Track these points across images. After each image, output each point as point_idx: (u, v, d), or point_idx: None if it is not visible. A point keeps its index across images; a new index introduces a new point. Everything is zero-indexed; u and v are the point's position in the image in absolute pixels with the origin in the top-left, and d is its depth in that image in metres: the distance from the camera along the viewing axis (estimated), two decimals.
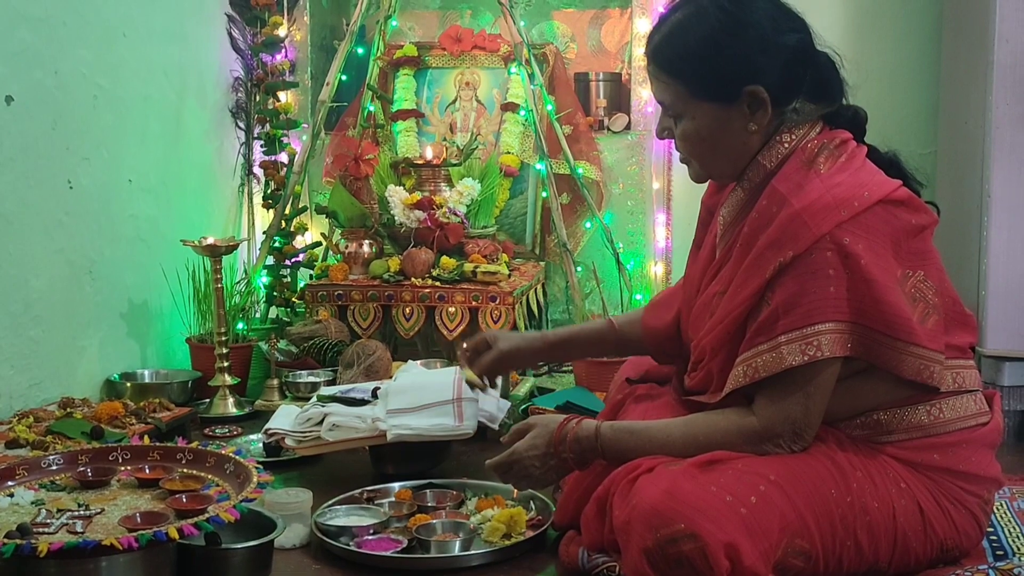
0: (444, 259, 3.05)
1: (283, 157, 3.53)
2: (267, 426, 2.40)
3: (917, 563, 1.73)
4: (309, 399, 2.49)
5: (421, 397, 2.30)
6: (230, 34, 3.52)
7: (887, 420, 1.73)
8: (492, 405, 2.40)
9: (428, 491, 2.15)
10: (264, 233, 3.44)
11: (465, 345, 2.19)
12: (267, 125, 3.52)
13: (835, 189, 1.66)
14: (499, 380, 2.22)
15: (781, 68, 1.72)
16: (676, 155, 2.15)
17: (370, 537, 1.94)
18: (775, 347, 1.65)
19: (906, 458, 1.72)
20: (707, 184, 1.92)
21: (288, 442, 2.32)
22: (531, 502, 2.07)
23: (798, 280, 1.64)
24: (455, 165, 3.25)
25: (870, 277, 1.63)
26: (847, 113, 1.79)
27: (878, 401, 1.72)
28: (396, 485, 2.18)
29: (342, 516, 2.04)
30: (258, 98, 3.55)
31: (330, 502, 2.08)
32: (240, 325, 3.16)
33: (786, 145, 1.75)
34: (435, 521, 1.99)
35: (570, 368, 3.14)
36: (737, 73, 1.71)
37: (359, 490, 2.15)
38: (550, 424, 1.85)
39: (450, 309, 2.97)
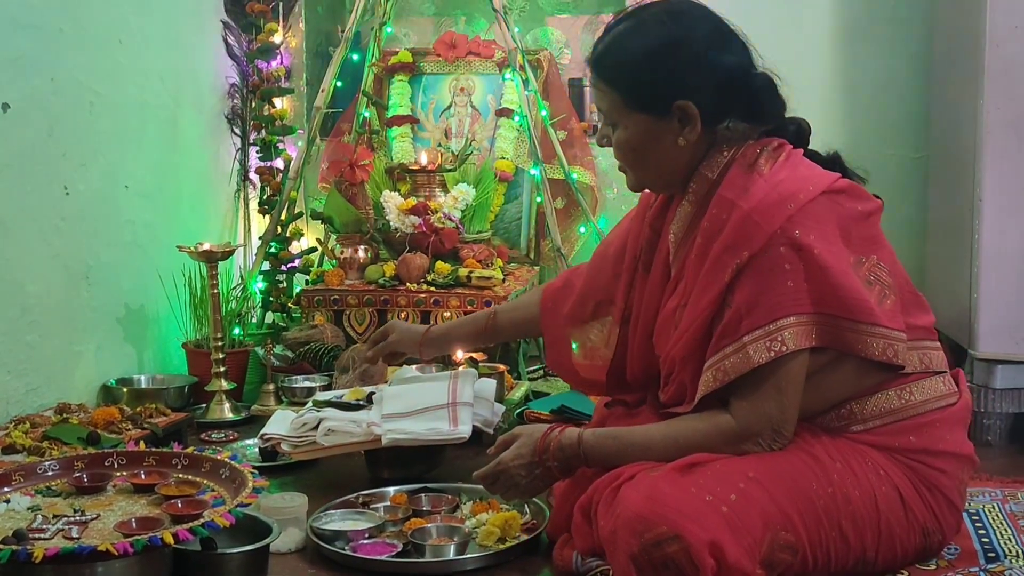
0: (439, 264, 3.06)
1: (279, 163, 3.53)
2: (263, 431, 2.40)
3: (904, 552, 1.75)
4: (305, 404, 2.49)
5: (416, 402, 2.31)
6: (226, 41, 3.52)
7: (860, 409, 1.75)
8: (488, 409, 2.42)
9: (423, 495, 2.16)
10: (260, 239, 3.44)
11: (372, 336, 2.40)
12: (263, 131, 3.52)
13: (779, 186, 1.70)
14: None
15: (713, 87, 1.76)
16: None
17: (365, 541, 1.95)
18: (741, 348, 1.68)
19: (882, 444, 1.74)
20: (652, 207, 1.95)
21: (284, 447, 2.33)
22: (525, 506, 2.08)
23: (756, 279, 1.67)
24: (450, 170, 3.25)
25: (824, 265, 1.66)
26: (790, 127, 1.83)
27: (848, 391, 1.75)
28: (391, 489, 2.19)
29: (337, 520, 2.04)
30: (254, 104, 3.55)
31: (325, 506, 2.09)
32: (236, 330, 3.16)
33: (726, 155, 1.79)
34: (430, 525, 1.99)
35: None
36: (668, 88, 1.76)
37: (354, 494, 2.16)
38: (534, 434, 1.87)
39: (445, 314, 2.98)
